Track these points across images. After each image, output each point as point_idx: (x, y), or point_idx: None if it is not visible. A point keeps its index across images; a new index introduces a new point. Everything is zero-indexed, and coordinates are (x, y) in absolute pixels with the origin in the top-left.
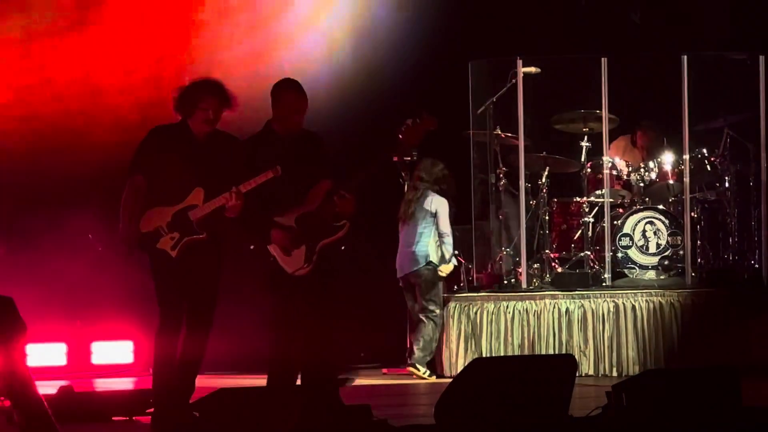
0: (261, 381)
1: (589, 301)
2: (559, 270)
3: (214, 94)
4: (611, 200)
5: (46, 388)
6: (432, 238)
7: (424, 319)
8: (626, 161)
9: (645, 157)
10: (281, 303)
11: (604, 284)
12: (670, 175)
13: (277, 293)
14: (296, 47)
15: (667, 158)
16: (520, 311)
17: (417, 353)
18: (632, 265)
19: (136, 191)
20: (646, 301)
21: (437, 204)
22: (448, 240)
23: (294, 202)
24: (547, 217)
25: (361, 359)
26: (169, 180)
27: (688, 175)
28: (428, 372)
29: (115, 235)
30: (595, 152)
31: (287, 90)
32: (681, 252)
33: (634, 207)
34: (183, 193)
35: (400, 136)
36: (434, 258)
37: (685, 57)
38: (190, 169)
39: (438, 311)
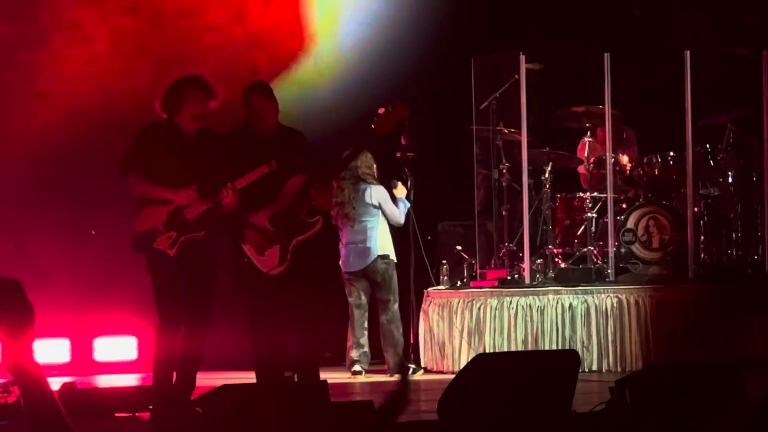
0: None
1: (593, 297)
2: (563, 265)
3: (200, 88)
4: (614, 195)
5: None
6: (381, 230)
7: (386, 323)
8: (627, 156)
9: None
10: (256, 301)
11: (607, 280)
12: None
13: (252, 292)
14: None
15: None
16: (523, 307)
17: (393, 361)
18: (635, 261)
19: (144, 180)
20: (650, 296)
21: (377, 195)
22: (402, 217)
23: (267, 200)
24: (550, 213)
25: (328, 359)
26: (162, 178)
27: (691, 170)
28: (413, 367)
29: (119, 232)
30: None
31: (255, 95)
32: (684, 247)
33: (637, 202)
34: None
35: (373, 126)
36: (388, 251)
37: (688, 52)
38: (183, 167)
39: (396, 305)
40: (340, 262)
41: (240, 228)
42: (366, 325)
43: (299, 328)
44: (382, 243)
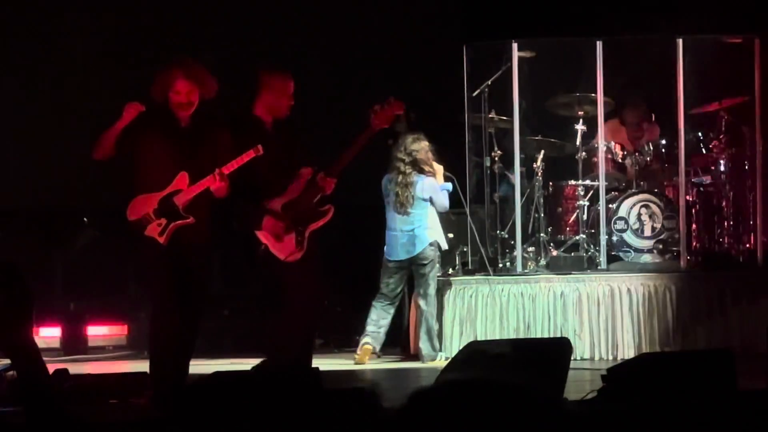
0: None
1: (585, 285)
2: (554, 253)
3: (186, 77)
4: (606, 184)
5: None
6: (431, 217)
7: (425, 311)
8: (619, 144)
9: (632, 133)
10: (275, 287)
11: (599, 267)
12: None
13: (270, 277)
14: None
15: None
16: (515, 294)
17: (425, 349)
18: (627, 249)
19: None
20: (642, 284)
21: (429, 188)
22: (447, 202)
23: (279, 189)
24: (542, 201)
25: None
26: (153, 165)
27: (683, 158)
28: (441, 354)
29: (111, 218)
30: (591, 135)
31: (276, 74)
32: (676, 235)
33: (630, 190)
34: (167, 178)
35: (370, 122)
36: (438, 238)
37: (680, 40)
38: (174, 154)
39: (435, 291)
40: (386, 249)
41: (258, 215)
42: (391, 312)
43: (306, 313)
44: (431, 230)
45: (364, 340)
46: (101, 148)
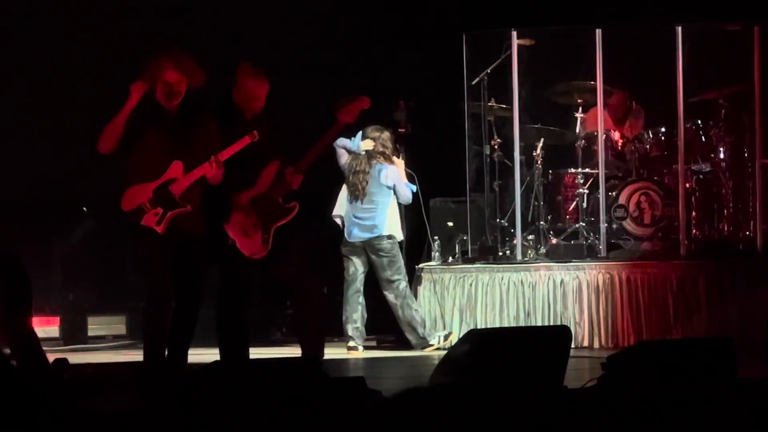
0: (253, 353)
1: (584, 273)
2: (554, 241)
3: (174, 67)
4: (606, 171)
5: None
6: (390, 209)
7: (395, 303)
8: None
9: (616, 120)
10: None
11: (599, 255)
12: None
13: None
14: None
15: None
16: (515, 283)
17: (413, 338)
18: (627, 237)
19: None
20: (641, 272)
21: (393, 176)
22: (410, 195)
23: (248, 182)
24: (541, 189)
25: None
26: (146, 155)
27: (682, 146)
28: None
29: (111, 209)
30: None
31: (246, 78)
32: (676, 223)
33: (629, 178)
34: (161, 167)
35: (336, 116)
36: (395, 231)
37: (680, 28)
38: (166, 143)
39: (404, 283)
40: (344, 233)
41: (224, 208)
42: (361, 300)
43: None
44: (390, 223)
45: (349, 343)
46: (109, 137)
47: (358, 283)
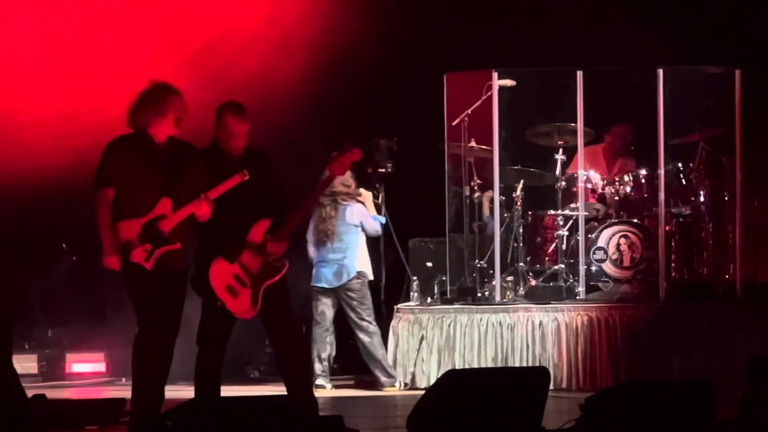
0: (231, 391)
1: (563, 314)
2: (533, 283)
3: (179, 94)
4: (585, 213)
5: None
6: (360, 248)
7: (366, 341)
8: (599, 174)
9: (609, 161)
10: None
11: (578, 297)
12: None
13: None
14: (269, 56)
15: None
16: (493, 324)
17: (381, 375)
18: (606, 279)
19: (107, 205)
20: (620, 314)
21: (359, 214)
22: (379, 227)
23: (238, 227)
24: (521, 230)
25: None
26: (135, 191)
27: (662, 189)
28: (397, 380)
29: (90, 245)
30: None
31: (225, 114)
32: (655, 266)
33: (609, 220)
34: (149, 203)
35: (327, 168)
36: (364, 267)
37: (661, 70)
38: (155, 179)
39: (373, 323)
40: (313, 278)
41: (211, 259)
42: (330, 340)
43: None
44: (360, 261)
45: (317, 381)
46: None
47: (328, 322)
